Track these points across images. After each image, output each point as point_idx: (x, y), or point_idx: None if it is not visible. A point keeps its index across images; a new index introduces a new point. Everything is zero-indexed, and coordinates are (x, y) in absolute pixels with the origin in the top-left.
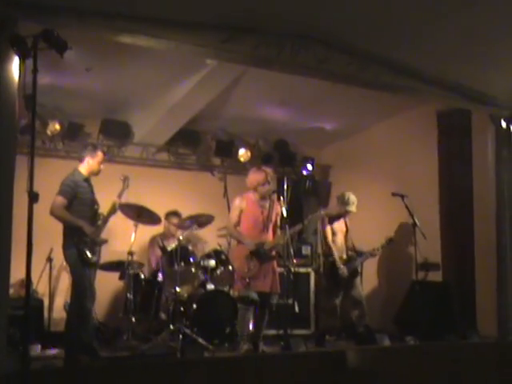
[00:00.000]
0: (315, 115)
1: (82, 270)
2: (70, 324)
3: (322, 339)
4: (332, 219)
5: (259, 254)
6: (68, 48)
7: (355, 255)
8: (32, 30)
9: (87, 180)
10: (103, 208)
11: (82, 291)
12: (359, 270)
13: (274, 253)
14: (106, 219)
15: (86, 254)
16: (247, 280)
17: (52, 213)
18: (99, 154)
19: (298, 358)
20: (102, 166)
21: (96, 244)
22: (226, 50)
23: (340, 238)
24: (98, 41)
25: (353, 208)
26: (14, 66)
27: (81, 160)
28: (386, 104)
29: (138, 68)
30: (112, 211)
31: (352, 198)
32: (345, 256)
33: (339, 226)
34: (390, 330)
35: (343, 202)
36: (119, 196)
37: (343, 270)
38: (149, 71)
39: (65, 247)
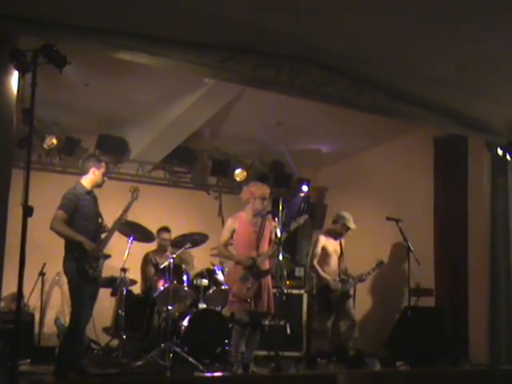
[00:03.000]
0: (312, 137)
1: (80, 286)
2: (64, 340)
3: (313, 362)
4: (329, 237)
5: (253, 272)
6: (67, 63)
7: (347, 278)
8: (32, 45)
9: (90, 193)
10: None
11: (77, 307)
12: (351, 293)
13: (267, 266)
14: (110, 233)
15: (85, 269)
16: (249, 300)
17: (52, 227)
18: (103, 165)
19: (289, 380)
20: (105, 178)
21: (97, 259)
22: (225, 69)
23: (334, 260)
24: (97, 57)
25: (353, 224)
26: (14, 79)
27: (84, 172)
28: (383, 128)
29: (136, 85)
30: (116, 225)
31: (349, 215)
32: (337, 278)
33: (334, 247)
34: (382, 355)
35: (344, 219)
36: (127, 207)
37: (336, 284)
38: (147, 88)
39: (65, 260)
